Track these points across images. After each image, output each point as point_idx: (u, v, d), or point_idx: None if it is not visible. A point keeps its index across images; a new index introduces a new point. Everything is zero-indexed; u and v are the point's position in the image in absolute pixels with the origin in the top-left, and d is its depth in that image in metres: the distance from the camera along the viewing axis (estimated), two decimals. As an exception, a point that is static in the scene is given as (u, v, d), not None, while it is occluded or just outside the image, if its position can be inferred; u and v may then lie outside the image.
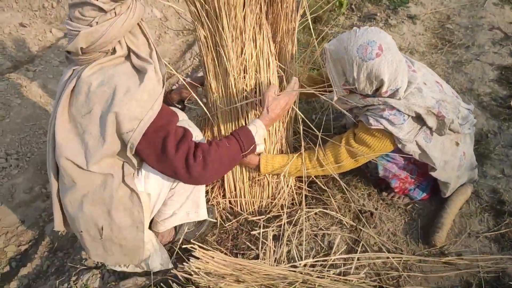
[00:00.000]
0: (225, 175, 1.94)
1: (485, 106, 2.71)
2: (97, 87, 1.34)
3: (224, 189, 1.98)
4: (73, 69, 1.41)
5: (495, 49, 3.30)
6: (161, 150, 1.40)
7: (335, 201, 2.00)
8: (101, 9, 1.28)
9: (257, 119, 1.62)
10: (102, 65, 1.37)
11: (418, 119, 1.71)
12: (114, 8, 1.31)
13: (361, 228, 1.92)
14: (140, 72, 1.39)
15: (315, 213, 1.94)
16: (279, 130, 1.92)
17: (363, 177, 2.16)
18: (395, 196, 2.08)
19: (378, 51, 1.58)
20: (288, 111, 1.87)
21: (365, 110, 1.78)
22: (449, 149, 1.83)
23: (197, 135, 1.63)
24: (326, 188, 2.05)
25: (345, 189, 2.03)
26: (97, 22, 1.29)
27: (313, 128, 1.80)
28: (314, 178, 2.08)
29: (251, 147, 1.57)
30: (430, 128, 1.72)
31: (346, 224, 1.93)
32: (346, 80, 1.72)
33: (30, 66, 3.26)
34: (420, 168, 1.94)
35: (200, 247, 1.70)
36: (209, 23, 1.62)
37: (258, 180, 1.94)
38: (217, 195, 1.99)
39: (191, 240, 1.76)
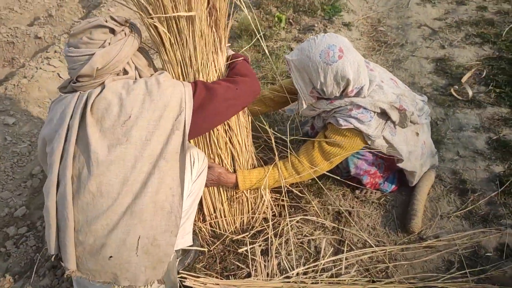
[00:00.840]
0: (203, 198, 1.91)
1: (429, 96, 2.91)
2: (127, 94, 1.36)
3: (203, 213, 1.95)
4: (78, 95, 1.41)
5: (427, 44, 3.57)
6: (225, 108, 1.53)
7: (313, 206, 2.04)
8: (112, 31, 1.38)
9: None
10: (120, 80, 1.43)
11: (383, 114, 1.80)
12: (123, 29, 1.41)
13: (343, 228, 1.97)
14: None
15: (297, 221, 1.96)
16: (247, 145, 1.93)
17: (335, 180, 2.22)
18: (367, 192, 2.16)
19: (340, 53, 1.66)
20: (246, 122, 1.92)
21: (333, 113, 1.85)
22: (411, 139, 1.94)
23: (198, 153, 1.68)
24: (302, 195, 2.08)
25: (321, 193, 2.08)
26: (109, 43, 1.37)
27: (281, 136, 1.84)
28: (289, 187, 2.11)
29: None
30: (393, 122, 1.82)
31: (328, 226, 1.97)
32: (313, 87, 1.78)
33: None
34: (387, 162, 2.03)
35: (190, 275, 1.64)
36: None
37: (236, 197, 1.93)
38: (196, 221, 1.95)
39: (180, 270, 1.71)
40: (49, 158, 1.37)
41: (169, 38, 1.53)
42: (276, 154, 1.86)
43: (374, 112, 1.78)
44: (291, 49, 3.56)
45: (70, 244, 1.33)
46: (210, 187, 1.87)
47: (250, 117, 1.92)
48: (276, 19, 3.99)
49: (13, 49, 4.35)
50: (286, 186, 2.08)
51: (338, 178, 2.03)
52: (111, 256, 1.34)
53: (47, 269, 2.04)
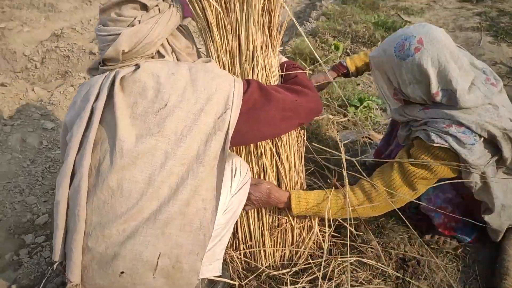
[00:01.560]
0: (238, 222, 1.60)
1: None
2: (166, 78, 1.14)
3: (238, 240, 1.62)
4: (105, 75, 1.18)
5: (505, 82, 3.16)
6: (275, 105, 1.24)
7: (372, 248, 1.65)
8: (143, 6, 1.17)
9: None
10: (158, 61, 1.22)
11: (489, 144, 1.40)
12: (157, 5, 1.19)
13: (409, 279, 1.56)
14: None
15: (351, 263, 1.57)
16: (297, 164, 1.61)
17: (399, 219, 1.83)
18: (440, 240, 1.74)
19: (418, 45, 1.34)
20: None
21: (423, 125, 1.47)
22: (511, 192, 1.54)
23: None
24: (359, 233, 1.70)
25: (381, 233, 1.70)
26: (139, 21, 1.16)
27: (349, 158, 1.51)
28: (341, 221, 1.74)
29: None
30: (501, 159, 1.42)
31: (391, 275, 1.57)
32: (395, 88, 1.48)
33: (7, 120, 2.96)
34: (470, 206, 1.62)
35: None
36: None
37: (279, 225, 1.59)
38: (228, 248, 1.62)
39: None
40: (67, 146, 1.14)
41: (219, 16, 1.29)
42: (346, 176, 1.48)
43: (480, 136, 1.37)
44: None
45: (77, 250, 1.06)
46: (242, 212, 1.55)
47: (303, 132, 1.62)
48: (333, 47, 3.77)
49: (68, 62, 4.42)
50: (336, 220, 1.72)
51: (403, 217, 1.64)
52: (122, 272, 1.06)
53: (56, 286, 1.78)
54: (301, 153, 1.58)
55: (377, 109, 2.81)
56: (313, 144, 1.71)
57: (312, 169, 1.94)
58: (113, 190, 1.06)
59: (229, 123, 1.14)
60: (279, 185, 1.56)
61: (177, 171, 1.10)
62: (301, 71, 1.47)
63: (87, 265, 1.07)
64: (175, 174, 1.10)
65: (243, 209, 1.49)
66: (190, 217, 1.11)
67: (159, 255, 1.06)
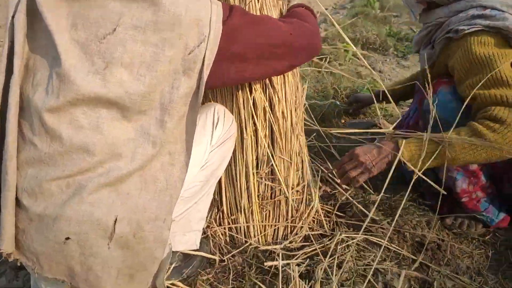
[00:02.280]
0: (223, 192, 1.36)
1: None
2: None
3: (222, 213, 1.38)
4: None
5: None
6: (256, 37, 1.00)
7: (382, 228, 1.39)
8: None
9: None
10: None
11: None
12: None
13: (429, 264, 1.28)
14: None
15: (358, 243, 1.31)
16: (296, 122, 1.39)
17: (415, 202, 1.57)
18: (464, 223, 1.47)
19: None
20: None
21: (446, 28, 1.37)
22: None
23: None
24: (367, 212, 1.44)
25: (394, 215, 1.43)
26: None
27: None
28: (349, 197, 1.49)
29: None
30: None
31: (406, 258, 1.29)
32: None
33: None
34: (497, 173, 1.39)
35: (184, 290, 1.04)
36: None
37: (272, 196, 1.35)
38: (210, 221, 1.37)
39: (175, 281, 1.12)
40: None
41: None
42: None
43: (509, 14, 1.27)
44: (358, 73, 3.10)
45: (8, 209, 0.82)
46: (228, 179, 1.31)
47: (304, 86, 1.41)
48: (343, 50, 3.61)
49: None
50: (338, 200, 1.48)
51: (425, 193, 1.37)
52: (68, 238, 0.82)
53: (11, 268, 1.53)
54: (299, 110, 1.36)
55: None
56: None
57: (315, 144, 1.71)
58: (52, 130, 0.82)
59: (203, 61, 0.89)
60: (273, 147, 1.33)
61: (135, 119, 0.87)
62: (307, 10, 1.25)
63: (25, 229, 0.84)
64: (133, 121, 0.88)
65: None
66: (154, 173, 0.89)
67: (116, 219, 0.83)
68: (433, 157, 1.24)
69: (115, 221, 0.83)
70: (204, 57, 0.89)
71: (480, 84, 1.22)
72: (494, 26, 1.24)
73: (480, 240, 1.43)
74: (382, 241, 1.30)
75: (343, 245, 1.27)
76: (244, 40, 0.97)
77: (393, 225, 1.38)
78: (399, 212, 1.28)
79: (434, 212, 1.52)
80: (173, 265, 1.16)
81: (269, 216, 1.36)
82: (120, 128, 0.85)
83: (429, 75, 1.34)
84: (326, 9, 5.82)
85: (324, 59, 3.24)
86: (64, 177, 0.82)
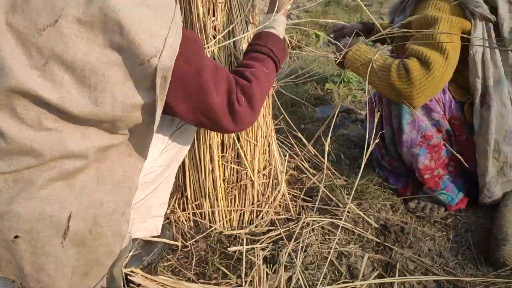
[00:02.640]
0: (187, 177, 1.32)
1: None
2: None
3: (186, 198, 1.34)
4: None
5: None
6: (196, 90, 0.85)
7: (348, 212, 1.39)
8: None
9: (269, 14, 1.12)
10: None
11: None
12: None
13: (392, 246, 1.29)
14: None
15: (323, 226, 1.30)
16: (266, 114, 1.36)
17: (381, 186, 1.59)
18: (426, 207, 1.49)
19: None
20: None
21: None
22: (504, 111, 1.36)
23: None
24: (333, 197, 1.44)
25: (359, 199, 1.44)
26: None
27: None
28: (316, 181, 1.49)
29: (282, 49, 1.08)
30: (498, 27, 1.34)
31: (370, 240, 1.30)
32: None
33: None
34: (457, 133, 1.44)
35: (144, 276, 1.00)
36: None
37: (237, 180, 1.32)
38: (173, 207, 1.34)
39: (134, 269, 1.08)
40: None
41: None
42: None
43: None
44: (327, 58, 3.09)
45: None
46: (192, 163, 1.27)
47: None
48: (314, 36, 3.60)
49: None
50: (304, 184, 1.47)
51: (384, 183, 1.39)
52: (17, 236, 0.75)
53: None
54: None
55: (356, 89, 2.61)
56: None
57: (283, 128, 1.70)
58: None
59: (155, 75, 0.77)
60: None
61: (82, 122, 0.79)
62: (268, 59, 1.04)
63: None
64: (79, 123, 0.80)
65: None
66: (111, 165, 0.83)
67: (70, 215, 0.77)
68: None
69: (69, 218, 0.78)
70: (155, 71, 0.76)
71: (415, 38, 1.34)
72: None
73: (442, 223, 1.46)
74: (347, 224, 1.30)
75: (309, 229, 1.26)
76: (178, 93, 0.86)
77: (358, 209, 1.39)
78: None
79: (399, 196, 1.55)
80: (131, 253, 1.12)
81: (234, 200, 1.34)
82: (67, 128, 0.78)
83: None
84: (299, -5, 5.71)
85: (294, 45, 3.23)
86: (10, 171, 0.75)
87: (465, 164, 1.31)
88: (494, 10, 1.33)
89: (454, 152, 1.32)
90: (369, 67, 1.32)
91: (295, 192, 1.47)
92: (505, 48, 1.34)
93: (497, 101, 1.34)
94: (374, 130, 1.69)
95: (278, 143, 1.63)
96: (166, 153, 1.09)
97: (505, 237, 1.29)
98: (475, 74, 1.34)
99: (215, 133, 1.25)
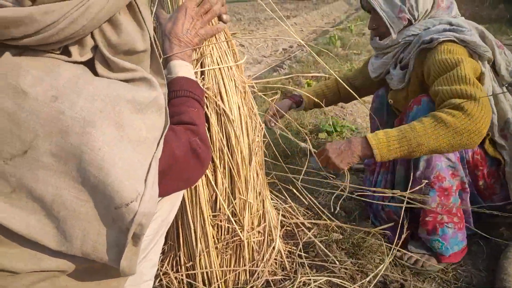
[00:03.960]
0: (181, 237, 1.29)
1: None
2: (39, 99, 0.64)
3: (179, 259, 1.30)
4: None
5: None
6: (176, 180, 0.91)
7: (345, 269, 1.35)
8: None
9: (171, 61, 1.09)
10: (40, 57, 0.70)
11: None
12: None
13: (393, 306, 1.25)
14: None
15: (320, 285, 1.26)
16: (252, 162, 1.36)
17: (378, 239, 1.56)
18: (418, 262, 1.44)
19: None
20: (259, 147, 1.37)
21: (420, 41, 1.47)
22: None
23: None
24: (329, 253, 1.41)
25: (356, 254, 1.41)
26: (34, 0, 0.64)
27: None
28: (312, 236, 1.46)
29: (198, 88, 1.08)
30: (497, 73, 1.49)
31: (369, 299, 1.26)
32: (401, 5, 1.49)
33: None
34: (480, 167, 1.49)
35: None
36: None
37: (233, 241, 1.29)
38: (162, 268, 1.30)
39: None
40: None
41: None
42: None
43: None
44: (320, 110, 3.15)
45: None
46: (185, 225, 1.25)
47: (262, 125, 1.40)
48: (306, 85, 3.69)
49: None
50: (300, 240, 1.45)
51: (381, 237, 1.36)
52: None
53: None
54: (258, 148, 1.34)
55: (351, 135, 2.63)
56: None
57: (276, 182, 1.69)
58: None
59: (133, 220, 0.69)
60: (232, 189, 1.29)
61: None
62: (191, 99, 1.04)
63: None
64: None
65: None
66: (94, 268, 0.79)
67: None
68: (399, 143, 1.27)
69: None
70: (134, 218, 0.69)
71: (443, 81, 1.34)
72: (463, 40, 1.37)
73: (442, 279, 1.42)
74: (345, 282, 1.26)
75: (306, 289, 1.22)
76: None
77: (356, 265, 1.36)
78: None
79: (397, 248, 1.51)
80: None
81: (230, 260, 1.30)
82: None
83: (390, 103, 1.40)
84: (291, 47, 6.03)
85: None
86: None
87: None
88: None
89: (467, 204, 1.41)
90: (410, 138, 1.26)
91: (290, 248, 1.44)
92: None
93: None
94: (376, 180, 1.70)
95: (272, 196, 1.62)
96: (154, 221, 1.05)
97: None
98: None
99: (203, 190, 1.24)
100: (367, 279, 1.29)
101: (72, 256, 0.70)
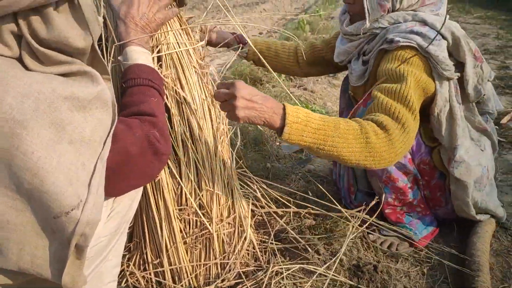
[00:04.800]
0: (146, 233, 1.24)
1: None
2: None
3: (146, 257, 1.25)
4: None
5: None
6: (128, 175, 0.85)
7: (319, 255, 1.33)
8: None
9: (128, 46, 1.02)
10: None
11: (452, 57, 1.28)
12: None
13: (367, 288, 1.24)
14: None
15: (293, 272, 1.24)
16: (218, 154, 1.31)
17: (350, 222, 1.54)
18: (393, 245, 1.44)
19: None
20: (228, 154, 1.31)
21: (383, 37, 1.32)
22: (471, 148, 1.33)
23: None
24: (302, 238, 1.39)
25: (330, 238, 1.40)
26: None
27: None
28: (284, 224, 1.43)
29: (157, 76, 1.03)
30: (464, 91, 1.31)
31: (343, 283, 1.24)
32: None
33: None
34: (426, 178, 1.40)
35: None
36: None
37: (201, 234, 1.24)
38: (127, 266, 1.24)
39: None
40: None
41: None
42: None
43: (444, 38, 1.25)
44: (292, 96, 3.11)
45: None
46: (150, 221, 1.20)
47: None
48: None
49: None
50: (274, 228, 1.42)
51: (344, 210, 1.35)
52: None
53: None
54: (222, 131, 1.29)
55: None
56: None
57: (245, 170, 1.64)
58: None
59: (74, 232, 0.64)
60: (198, 180, 1.24)
61: None
62: (150, 89, 0.99)
63: None
64: None
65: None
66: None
67: None
68: (314, 133, 1.04)
69: None
70: (76, 228, 0.63)
71: (384, 89, 1.21)
72: (427, 51, 1.22)
73: (415, 258, 1.42)
74: (319, 268, 1.24)
75: (278, 278, 1.19)
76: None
77: (329, 251, 1.34)
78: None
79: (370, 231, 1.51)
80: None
81: (200, 254, 1.25)
82: None
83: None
84: (260, 33, 5.94)
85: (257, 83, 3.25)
86: None
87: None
88: (459, 64, 1.30)
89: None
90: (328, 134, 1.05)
91: (262, 238, 1.41)
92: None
93: (466, 156, 1.32)
94: (339, 172, 1.68)
95: (242, 185, 1.58)
96: (112, 219, 0.98)
97: (478, 267, 1.27)
98: (439, 132, 1.32)
99: (167, 184, 1.18)
100: (335, 258, 1.27)
101: (9, 271, 0.64)
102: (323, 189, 1.49)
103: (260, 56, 1.34)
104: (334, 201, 1.37)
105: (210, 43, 1.56)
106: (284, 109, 1.02)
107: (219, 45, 1.62)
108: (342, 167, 1.65)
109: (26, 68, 0.67)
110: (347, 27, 1.43)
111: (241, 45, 1.65)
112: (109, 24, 1.11)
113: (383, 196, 1.38)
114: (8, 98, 0.60)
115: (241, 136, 2.31)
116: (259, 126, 2.25)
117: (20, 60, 0.67)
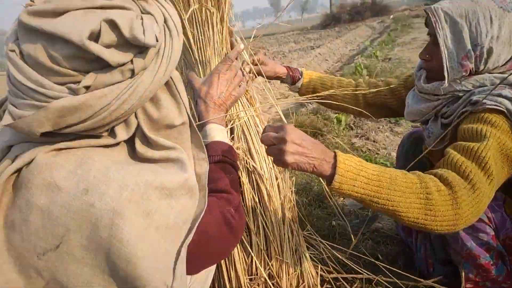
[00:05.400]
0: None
1: None
2: (71, 193, 0.66)
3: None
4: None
5: None
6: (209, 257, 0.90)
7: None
8: (103, 64, 0.66)
9: (207, 125, 1.10)
10: (75, 150, 0.72)
11: None
12: (131, 61, 0.68)
13: None
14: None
15: None
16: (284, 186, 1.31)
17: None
18: None
19: None
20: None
21: (468, 99, 1.19)
22: None
23: None
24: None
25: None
26: (86, 88, 0.66)
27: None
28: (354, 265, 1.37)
29: (233, 152, 1.07)
30: None
31: None
32: (468, 51, 1.19)
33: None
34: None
35: None
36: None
37: (260, 277, 1.23)
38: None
39: None
40: None
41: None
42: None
43: None
44: (352, 145, 3.07)
45: None
46: None
47: (293, 178, 1.35)
48: (335, 120, 3.64)
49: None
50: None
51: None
52: None
53: None
54: (289, 198, 1.30)
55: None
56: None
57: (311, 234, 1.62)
58: None
59: None
60: (268, 250, 1.24)
61: None
62: (226, 165, 1.03)
63: None
64: None
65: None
66: None
67: None
68: (367, 184, 0.96)
69: None
70: None
71: (459, 147, 1.10)
72: None
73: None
74: None
75: None
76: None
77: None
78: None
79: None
80: None
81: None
82: None
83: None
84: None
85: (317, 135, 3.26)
86: None
87: None
88: None
89: None
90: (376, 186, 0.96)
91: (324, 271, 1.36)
92: None
93: None
94: (416, 247, 1.58)
95: (308, 246, 1.55)
96: None
97: None
98: None
99: (238, 255, 1.20)
100: None
101: None
102: (395, 255, 1.42)
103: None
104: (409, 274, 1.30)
105: (261, 74, 1.49)
106: (335, 157, 0.97)
107: (271, 78, 1.61)
108: (419, 239, 1.56)
109: (134, 150, 0.75)
110: (424, 84, 1.33)
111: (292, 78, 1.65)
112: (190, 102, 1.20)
113: (462, 272, 1.28)
114: (110, 191, 0.67)
115: (304, 193, 2.31)
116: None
117: (128, 141, 0.77)
